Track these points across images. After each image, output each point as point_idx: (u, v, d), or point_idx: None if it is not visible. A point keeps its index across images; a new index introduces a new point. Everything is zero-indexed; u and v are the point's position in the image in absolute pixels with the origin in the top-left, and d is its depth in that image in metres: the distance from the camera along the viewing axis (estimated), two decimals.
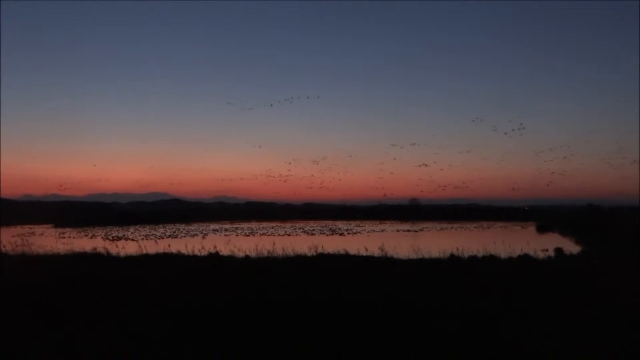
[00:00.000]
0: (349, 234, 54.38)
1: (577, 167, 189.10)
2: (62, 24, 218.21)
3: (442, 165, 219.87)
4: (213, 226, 75.26)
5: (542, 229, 59.02)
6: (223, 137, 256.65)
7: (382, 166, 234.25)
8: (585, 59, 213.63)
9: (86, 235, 52.71)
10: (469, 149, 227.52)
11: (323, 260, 19.86)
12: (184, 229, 65.26)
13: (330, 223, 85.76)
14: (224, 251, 24.21)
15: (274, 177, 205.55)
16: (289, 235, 51.67)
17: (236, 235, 50.82)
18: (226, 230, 63.34)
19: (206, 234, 53.17)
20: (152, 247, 26.56)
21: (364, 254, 21.90)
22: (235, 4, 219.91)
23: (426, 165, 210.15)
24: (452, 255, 21.11)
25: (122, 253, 23.23)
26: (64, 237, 47.83)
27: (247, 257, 21.53)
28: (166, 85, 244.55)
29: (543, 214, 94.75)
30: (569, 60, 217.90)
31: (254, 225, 79.87)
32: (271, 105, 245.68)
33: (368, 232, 57.87)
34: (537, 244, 29.71)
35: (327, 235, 52.13)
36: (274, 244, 24.97)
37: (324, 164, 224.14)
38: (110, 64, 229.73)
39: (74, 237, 48.41)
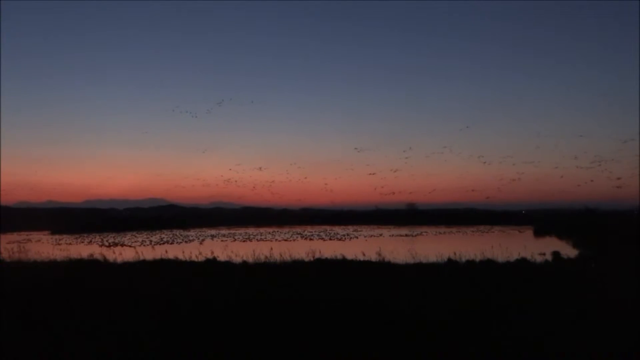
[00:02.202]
0: (346, 238, 54.33)
1: (570, 170, 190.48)
2: (59, 31, 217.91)
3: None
4: (210, 232, 75.11)
5: (539, 233, 59.06)
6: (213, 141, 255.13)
7: (351, 172, 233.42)
8: (581, 61, 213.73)
9: (83, 242, 52.50)
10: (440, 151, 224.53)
11: (321, 265, 19.83)
12: (181, 235, 65.08)
13: (327, 228, 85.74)
14: (221, 257, 24.15)
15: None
16: (286, 240, 51.59)
17: (233, 241, 50.72)
18: (223, 235, 63.19)
19: (203, 240, 53.04)
20: (149, 253, 26.47)
21: (362, 259, 21.88)
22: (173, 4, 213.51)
23: (374, 173, 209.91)
24: (449, 260, 21.11)
25: (119, 259, 23.15)
26: (60, 244, 47.63)
27: (244, 263, 21.47)
28: (161, 90, 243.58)
29: (540, 218, 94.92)
30: (565, 62, 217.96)
31: (251, 230, 79.74)
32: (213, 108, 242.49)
33: (365, 237, 57.81)
34: (535, 248, 29.75)
35: (324, 240, 52.06)
36: (272, 249, 24.92)
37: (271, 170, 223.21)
38: (105, 69, 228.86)
39: (70, 244, 48.19)
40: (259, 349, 7.51)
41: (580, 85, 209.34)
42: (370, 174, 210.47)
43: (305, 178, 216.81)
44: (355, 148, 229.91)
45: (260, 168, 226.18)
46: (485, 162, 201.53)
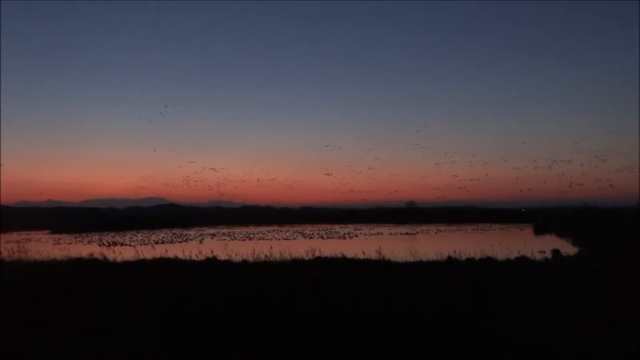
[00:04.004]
0: (346, 237, 54.35)
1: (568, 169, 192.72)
2: (59, 31, 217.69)
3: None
4: (210, 231, 75.10)
5: (539, 231, 59.07)
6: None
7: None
8: (578, 61, 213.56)
9: (82, 241, 52.49)
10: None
11: (321, 264, 19.83)
12: (180, 234, 65.08)
13: (327, 227, 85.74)
14: (221, 256, 24.13)
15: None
16: (286, 239, 51.60)
17: (232, 240, 50.73)
18: (223, 234, 63.21)
19: (203, 239, 53.04)
20: (149, 252, 26.42)
21: (362, 257, 21.87)
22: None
23: (331, 174, 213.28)
24: (449, 258, 21.10)
25: (119, 259, 23.13)
26: (60, 243, 47.62)
27: (244, 262, 21.47)
28: (160, 90, 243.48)
29: (540, 216, 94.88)
30: (563, 63, 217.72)
31: (251, 229, 79.74)
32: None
33: (366, 235, 57.84)
34: (535, 246, 29.76)
35: (324, 238, 52.09)
36: (271, 248, 24.90)
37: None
38: (105, 69, 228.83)
39: (70, 243, 48.19)
40: (260, 349, 7.50)
41: (544, 84, 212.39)
42: (327, 174, 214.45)
43: (274, 179, 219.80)
44: (327, 145, 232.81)
45: (214, 169, 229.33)
46: (440, 162, 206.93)
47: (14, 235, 61.67)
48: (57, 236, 65.00)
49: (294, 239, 52.43)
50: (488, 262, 20.07)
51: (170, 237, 58.66)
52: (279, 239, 50.82)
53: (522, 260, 20.58)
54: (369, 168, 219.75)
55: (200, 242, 47.70)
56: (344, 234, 61.07)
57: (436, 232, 63.03)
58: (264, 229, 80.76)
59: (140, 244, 43.60)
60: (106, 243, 47.90)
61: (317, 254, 22.94)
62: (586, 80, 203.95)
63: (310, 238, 53.09)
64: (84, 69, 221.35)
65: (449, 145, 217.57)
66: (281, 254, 22.31)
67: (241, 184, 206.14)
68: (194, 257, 23.17)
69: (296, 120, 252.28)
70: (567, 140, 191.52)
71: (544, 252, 26.07)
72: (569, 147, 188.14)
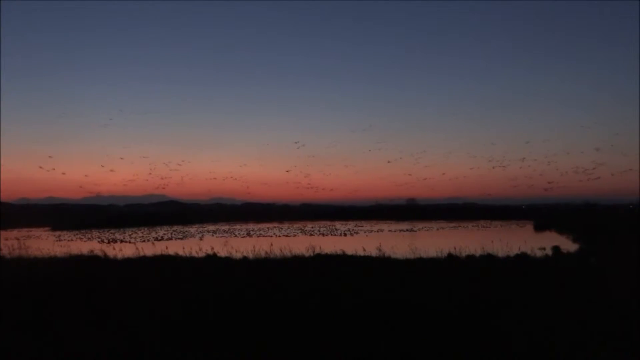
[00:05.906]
0: (347, 234, 54.34)
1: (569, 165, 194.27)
2: (60, 28, 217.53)
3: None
4: (210, 227, 75.13)
5: (539, 228, 59.09)
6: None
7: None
8: (579, 59, 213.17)
9: (83, 238, 52.51)
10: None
11: (320, 261, 19.83)
12: (181, 231, 65.10)
13: (328, 224, 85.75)
14: (222, 252, 24.15)
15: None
16: (286, 236, 51.60)
17: (232, 237, 50.72)
18: (224, 231, 63.22)
19: (203, 236, 53.04)
20: (149, 249, 26.45)
21: (362, 254, 21.88)
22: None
23: (289, 170, 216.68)
24: (450, 255, 21.11)
25: (120, 255, 23.15)
26: (60, 240, 47.65)
27: (245, 259, 21.48)
28: (161, 88, 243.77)
29: (540, 213, 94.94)
30: (564, 60, 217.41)
31: (251, 226, 79.74)
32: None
33: (366, 232, 57.84)
34: (535, 243, 29.73)
35: (324, 235, 52.09)
36: (272, 244, 24.91)
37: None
38: (105, 66, 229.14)
39: (71, 240, 48.22)
40: (259, 346, 7.50)
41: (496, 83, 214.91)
42: (286, 170, 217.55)
43: (240, 177, 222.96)
44: (296, 142, 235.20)
45: (168, 163, 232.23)
46: (393, 161, 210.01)
47: (14, 232, 61.70)
48: (57, 233, 65.04)
49: (295, 236, 52.43)
50: (488, 259, 20.09)
51: (171, 234, 58.66)
52: (280, 236, 50.82)
53: (523, 257, 20.58)
54: (346, 166, 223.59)
55: (201, 239, 47.70)
56: (345, 231, 61.05)
57: (437, 229, 63.02)
58: (264, 225, 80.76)
59: (141, 241, 43.62)
60: (106, 240, 47.90)
61: (317, 251, 22.95)
62: (584, 75, 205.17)
63: (311, 235, 53.08)
64: (82, 67, 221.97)
65: (409, 146, 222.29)
66: (281, 251, 22.32)
67: (211, 181, 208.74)
68: (194, 254, 23.18)
69: (263, 117, 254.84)
70: (520, 140, 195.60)
71: (544, 249, 26.06)
72: (521, 147, 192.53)
